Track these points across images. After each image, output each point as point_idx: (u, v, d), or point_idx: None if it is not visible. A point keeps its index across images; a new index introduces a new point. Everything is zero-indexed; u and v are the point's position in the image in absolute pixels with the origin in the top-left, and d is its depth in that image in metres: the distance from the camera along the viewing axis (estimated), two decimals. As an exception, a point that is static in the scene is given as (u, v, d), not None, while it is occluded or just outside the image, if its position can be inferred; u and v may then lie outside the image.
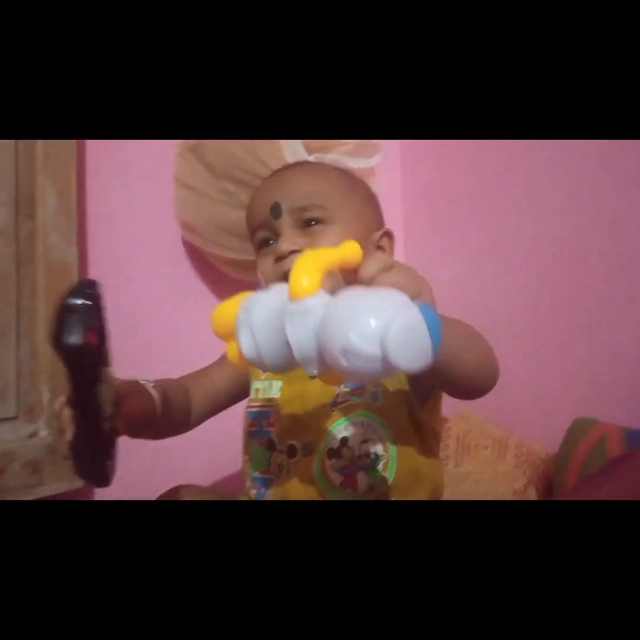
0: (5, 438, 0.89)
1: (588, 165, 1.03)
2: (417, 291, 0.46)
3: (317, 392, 0.71)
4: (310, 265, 0.46)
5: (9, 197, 0.91)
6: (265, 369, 0.52)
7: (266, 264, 0.72)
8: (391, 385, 0.70)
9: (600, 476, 0.68)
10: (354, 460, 0.68)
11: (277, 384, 0.75)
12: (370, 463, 0.68)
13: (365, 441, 0.69)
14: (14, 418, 0.93)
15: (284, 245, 0.69)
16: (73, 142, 0.93)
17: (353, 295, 0.44)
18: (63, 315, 0.47)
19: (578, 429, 0.93)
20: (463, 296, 1.23)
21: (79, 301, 0.48)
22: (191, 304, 1.08)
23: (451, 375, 0.57)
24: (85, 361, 0.49)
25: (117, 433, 0.57)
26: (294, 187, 0.73)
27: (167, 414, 0.67)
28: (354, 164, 0.89)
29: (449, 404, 0.74)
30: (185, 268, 1.09)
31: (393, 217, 0.81)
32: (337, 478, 0.68)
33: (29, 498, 0.86)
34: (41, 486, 0.88)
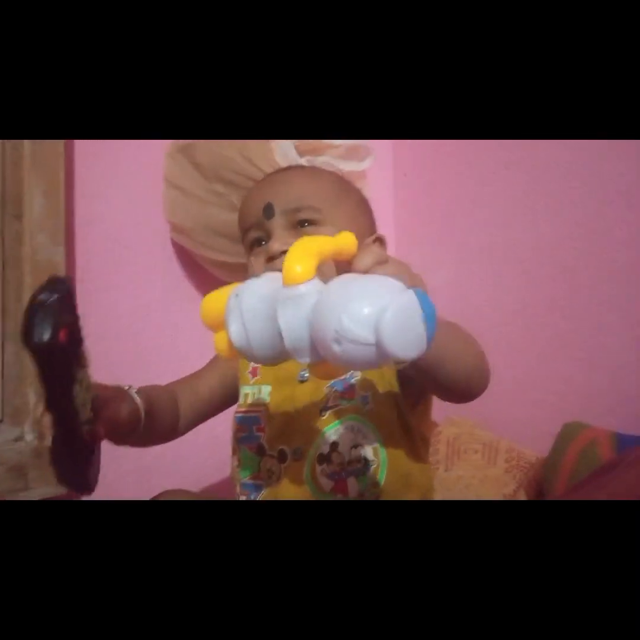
0: (-10, 442, 0.88)
1: (581, 168, 1.03)
2: (412, 284, 0.46)
3: (307, 396, 0.70)
4: (305, 252, 0.45)
5: (-4, 197, 0.90)
6: (254, 359, 0.51)
7: (257, 264, 0.71)
8: (381, 388, 0.70)
9: (591, 482, 0.68)
10: (344, 465, 0.68)
11: (266, 389, 0.74)
12: (360, 468, 0.68)
13: (355, 446, 0.68)
14: (-1, 421, 0.92)
15: (276, 245, 0.68)
16: (61, 142, 0.92)
17: (347, 280, 0.43)
18: (31, 312, 0.45)
19: (568, 434, 0.93)
20: (454, 300, 1.23)
21: (48, 297, 0.46)
22: (180, 306, 1.07)
23: (444, 377, 0.57)
24: (56, 360, 0.46)
25: (97, 438, 0.55)
26: (288, 189, 0.73)
27: (153, 420, 0.65)
28: (346, 166, 0.89)
29: (439, 409, 0.74)
30: (175, 269, 1.08)
31: (384, 221, 0.81)
32: (327, 484, 0.68)
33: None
34: (27, 490, 0.87)
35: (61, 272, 0.92)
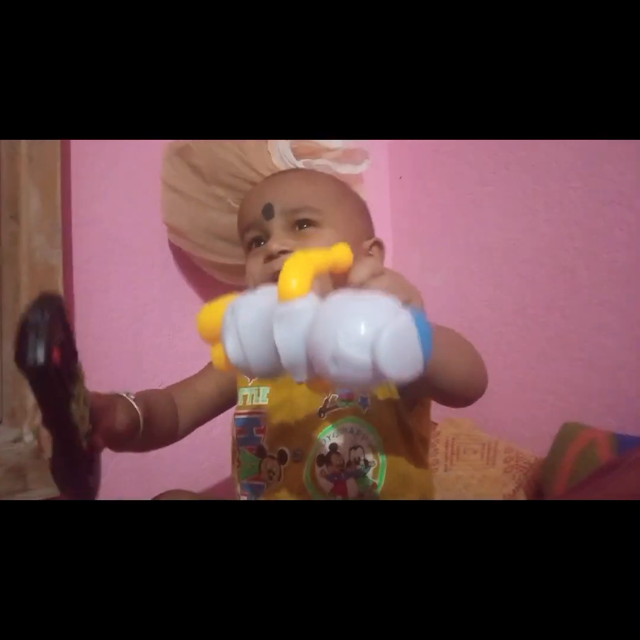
0: (-11, 443, 0.88)
1: (581, 168, 1.03)
2: (407, 298, 0.45)
3: (305, 398, 0.70)
4: (300, 267, 0.45)
5: (-7, 198, 0.90)
6: (251, 374, 0.51)
7: (255, 264, 0.71)
8: (380, 390, 0.70)
9: (591, 482, 0.68)
10: (343, 466, 0.68)
11: (264, 391, 0.74)
12: (360, 470, 0.68)
13: (354, 447, 0.68)
14: (-2, 423, 0.91)
15: (274, 245, 0.69)
16: (57, 143, 0.92)
17: (343, 300, 0.42)
18: (23, 334, 0.44)
19: (567, 434, 0.92)
20: (453, 301, 1.23)
21: (39, 317, 0.45)
22: (178, 306, 1.07)
23: (441, 385, 0.57)
24: (51, 381, 0.45)
25: (96, 449, 0.55)
26: (288, 190, 0.73)
27: (151, 425, 0.65)
28: (343, 170, 0.89)
29: (438, 409, 0.74)
30: (173, 270, 1.08)
31: (381, 223, 0.81)
32: (327, 485, 0.68)
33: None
34: (26, 491, 0.87)
35: (58, 273, 0.91)
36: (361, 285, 0.45)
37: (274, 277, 0.68)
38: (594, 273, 1.01)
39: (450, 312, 1.23)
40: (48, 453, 0.52)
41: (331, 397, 0.70)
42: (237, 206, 0.88)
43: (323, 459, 0.68)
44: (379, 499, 0.68)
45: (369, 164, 0.95)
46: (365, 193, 0.88)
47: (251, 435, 0.73)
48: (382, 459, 0.68)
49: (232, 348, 0.47)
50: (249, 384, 0.76)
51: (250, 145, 0.87)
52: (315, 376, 0.44)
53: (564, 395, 1.05)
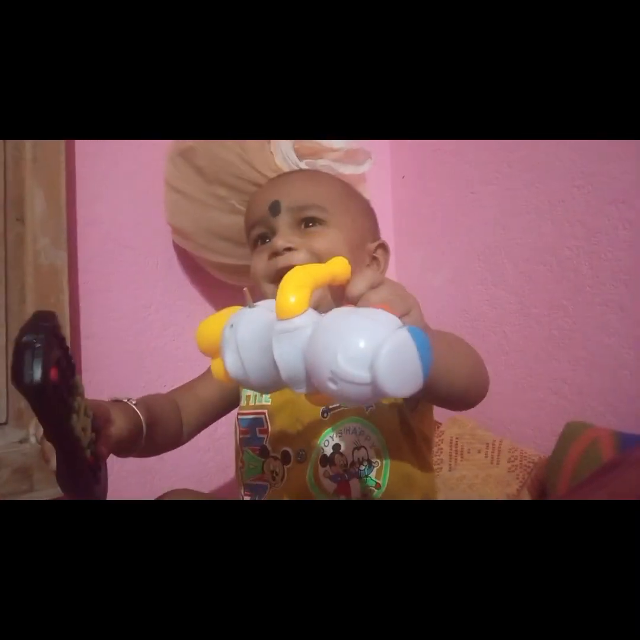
0: (-5, 444, 0.88)
1: (584, 167, 1.03)
2: (406, 308, 0.45)
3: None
4: (298, 283, 0.44)
5: (-2, 200, 0.90)
6: (251, 388, 0.51)
7: (260, 261, 0.72)
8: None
9: (593, 481, 0.68)
10: (346, 467, 0.68)
11: (267, 391, 0.74)
12: (363, 470, 0.68)
13: (357, 448, 0.68)
14: (4, 424, 0.92)
15: (280, 242, 0.69)
16: (62, 145, 0.92)
17: (341, 316, 0.42)
18: (19, 354, 0.44)
19: (570, 433, 0.92)
20: (455, 300, 1.23)
21: (34, 336, 0.45)
22: (181, 307, 1.08)
23: (440, 392, 0.57)
24: (48, 398, 0.46)
25: (101, 458, 0.55)
26: (296, 188, 0.73)
27: (155, 431, 0.65)
28: (345, 170, 0.89)
29: (442, 409, 0.74)
30: (176, 270, 1.09)
31: (383, 223, 0.81)
32: (330, 485, 0.68)
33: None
34: (32, 492, 0.87)
35: (63, 274, 0.92)
36: (360, 298, 0.45)
37: (277, 274, 0.68)
38: (597, 272, 1.01)
39: (452, 311, 1.23)
40: (52, 465, 0.52)
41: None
42: (240, 207, 0.88)
43: (326, 460, 0.68)
44: (382, 499, 0.68)
45: (372, 164, 0.95)
46: (367, 193, 0.89)
47: (254, 435, 0.73)
48: (386, 459, 0.68)
49: (231, 363, 0.47)
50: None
51: (253, 145, 0.87)
52: (315, 389, 0.44)
53: (566, 394, 1.05)
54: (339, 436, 0.69)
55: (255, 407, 0.75)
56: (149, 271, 1.05)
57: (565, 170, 1.05)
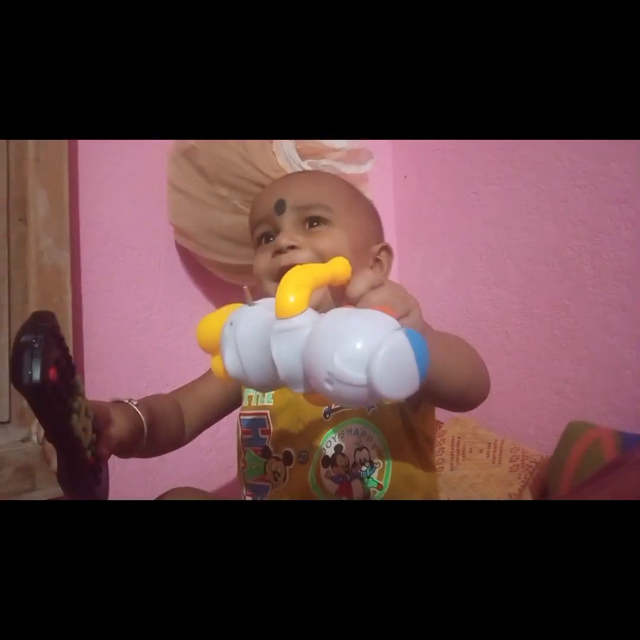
0: (-2, 443, 0.88)
1: (586, 166, 1.03)
2: (406, 310, 0.45)
3: (310, 399, 0.70)
4: (298, 282, 0.44)
5: (1, 200, 0.90)
6: (250, 386, 0.51)
7: (263, 259, 0.72)
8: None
9: (595, 481, 0.68)
10: (348, 468, 0.68)
11: (269, 392, 0.74)
12: (365, 471, 0.68)
13: (359, 449, 0.68)
14: (6, 423, 0.92)
15: (284, 240, 0.69)
16: (64, 144, 0.92)
17: (340, 317, 0.42)
18: (18, 354, 0.44)
19: (573, 433, 0.92)
20: (455, 301, 1.23)
21: (33, 337, 0.45)
22: (183, 307, 1.08)
23: (441, 393, 0.57)
24: (48, 398, 0.46)
25: (101, 458, 0.55)
26: (301, 187, 0.73)
27: (156, 430, 0.65)
28: (347, 170, 0.89)
29: (443, 409, 0.74)
30: (178, 270, 1.09)
31: (385, 223, 0.81)
32: (332, 486, 0.68)
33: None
34: (34, 491, 0.88)
35: (66, 274, 0.92)
36: (360, 298, 0.45)
37: (280, 272, 0.68)
38: (599, 272, 1.01)
39: (454, 311, 1.23)
40: (53, 466, 0.52)
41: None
42: (242, 207, 0.88)
43: (328, 461, 0.68)
44: (385, 499, 0.68)
45: (374, 164, 0.95)
46: (369, 192, 0.89)
47: (256, 436, 0.73)
48: (388, 460, 0.68)
49: (230, 361, 0.47)
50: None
51: (255, 145, 0.87)
52: (313, 389, 0.44)
53: (568, 394, 1.05)
54: (341, 437, 0.69)
55: (257, 407, 0.75)
56: (151, 271, 1.05)
57: (567, 170, 1.05)
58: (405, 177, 1.36)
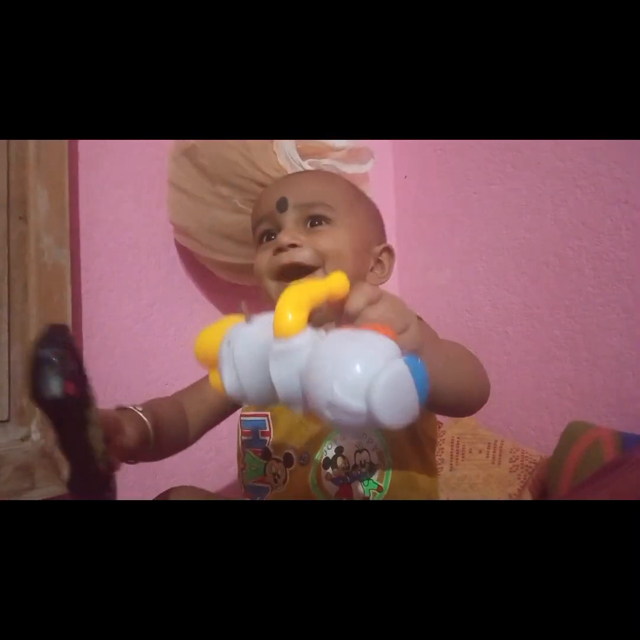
0: (-3, 441, 0.88)
1: (587, 167, 1.03)
2: (404, 325, 0.45)
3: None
4: (296, 302, 0.44)
5: (1, 199, 0.90)
6: (249, 404, 0.51)
7: (263, 258, 0.71)
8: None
9: (594, 481, 0.68)
10: (349, 470, 0.68)
11: (271, 393, 0.74)
12: (365, 473, 0.68)
13: (360, 451, 0.68)
14: (6, 421, 0.92)
15: (285, 238, 0.69)
16: (65, 143, 0.92)
17: (340, 343, 0.42)
18: (37, 368, 0.45)
19: (572, 433, 0.92)
20: (456, 301, 1.23)
21: (49, 351, 0.45)
22: (184, 307, 1.08)
23: (439, 403, 0.56)
24: (68, 411, 0.47)
25: (112, 468, 0.55)
26: (304, 186, 0.74)
27: (161, 435, 0.65)
28: (348, 169, 0.89)
29: (443, 409, 0.74)
30: (179, 270, 1.09)
31: (386, 223, 0.81)
32: (332, 488, 0.68)
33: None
34: (33, 490, 0.87)
35: (66, 273, 0.92)
36: (358, 314, 0.44)
37: (281, 271, 0.68)
38: (600, 273, 1.01)
39: (455, 311, 1.23)
40: (64, 475, 0.52)
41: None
42: (243, 206, 0.88)
43: (329, 462, 0.68)
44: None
45: (374, 163, 0.95)
46: (370, 192, 0.89)
47: (257, 437, 0.73)
48: (388, 462, 0.68)
49: (228, 380, 0.47)
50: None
51: (256, 145, 0.87)
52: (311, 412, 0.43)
53: (568, 394, 1.05)
54: (342, 439, 0.68)
55: (257, 409, 0.74)
56: (151, 270, 1.05)
57: (568, 171, 1.05)
58: (405, 177, 1.36)
